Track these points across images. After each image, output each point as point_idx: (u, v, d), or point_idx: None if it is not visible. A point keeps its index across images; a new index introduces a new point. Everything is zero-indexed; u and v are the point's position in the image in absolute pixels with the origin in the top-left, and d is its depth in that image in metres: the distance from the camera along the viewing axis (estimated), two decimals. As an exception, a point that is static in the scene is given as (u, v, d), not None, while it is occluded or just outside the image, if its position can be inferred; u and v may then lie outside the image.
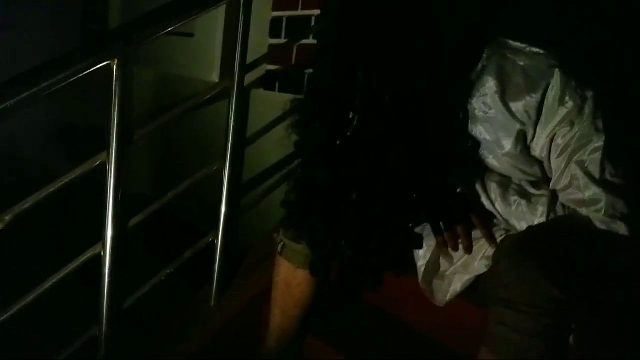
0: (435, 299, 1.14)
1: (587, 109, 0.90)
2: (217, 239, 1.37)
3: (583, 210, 0.92)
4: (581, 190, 0.91)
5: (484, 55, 0.97)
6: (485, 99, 0.96)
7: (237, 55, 1.36)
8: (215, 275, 1.38)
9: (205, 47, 2.06)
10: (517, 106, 0.94)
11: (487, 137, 0.97)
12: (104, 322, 1.20)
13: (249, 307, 1.36)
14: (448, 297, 1.11)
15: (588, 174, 0.90)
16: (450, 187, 1.00)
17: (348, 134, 0.95)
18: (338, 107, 0.96)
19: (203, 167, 1.40)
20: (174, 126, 1.41)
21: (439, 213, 0.99)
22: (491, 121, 0.96)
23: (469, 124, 0.98)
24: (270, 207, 1.58)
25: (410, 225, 1.03)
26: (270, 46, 1.98)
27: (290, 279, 1.17)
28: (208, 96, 1.38)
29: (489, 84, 0.96)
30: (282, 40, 1.95)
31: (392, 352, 1.24)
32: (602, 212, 0.89)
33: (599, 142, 0.90)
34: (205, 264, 1.40)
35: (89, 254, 1.18)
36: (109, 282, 1.19)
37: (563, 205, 0.95)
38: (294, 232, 1.12)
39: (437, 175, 0.97)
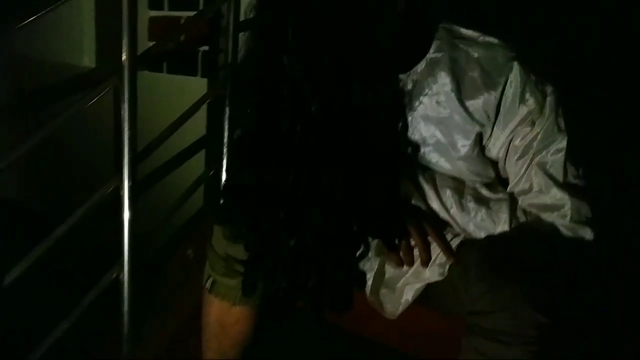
0: (385, 311, 1.05)
1: (548, 106, 0.84)
2: (123, 274, 1.10)
3: (547, 216, 0.86)
4: (544, 194, 0.85)
5: (433, 47, 0.85)
6: (439, 98, 0.86)
7: (125, 35, 1.00)
8: (125, 317, 1.11)
9: (72, 24, 1.71)
10: (475, 105, 0.85)
11: (441, 139, 0.88)
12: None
13: (171, 349, 1.16)
14: (400, 309, 1.03)
15: (550, 176, 0.85)
16: (397, 197, 0.88)
17: (277, 135, 0.78)
18: (263, 105, 0.79)
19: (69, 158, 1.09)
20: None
21: (389, 228, 0.88)
22: (446, 122, 0.86)
23: (421, 125, 0.87)
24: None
25: (353, 260, 0.90)
26: (152, 19, 1.70)
27: (225, 318, 1.01)
28: (96, 96, 1.03)
29: (443, 81, 0.85)
30: (165, 13, 1.69)
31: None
32: (569, 218, 0.84)
33: (561, 143, 0.84)
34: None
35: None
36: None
37: (524, 211, 0.89)
38: (225, 266, 0.95)
39: (382, 191, 0.85)
